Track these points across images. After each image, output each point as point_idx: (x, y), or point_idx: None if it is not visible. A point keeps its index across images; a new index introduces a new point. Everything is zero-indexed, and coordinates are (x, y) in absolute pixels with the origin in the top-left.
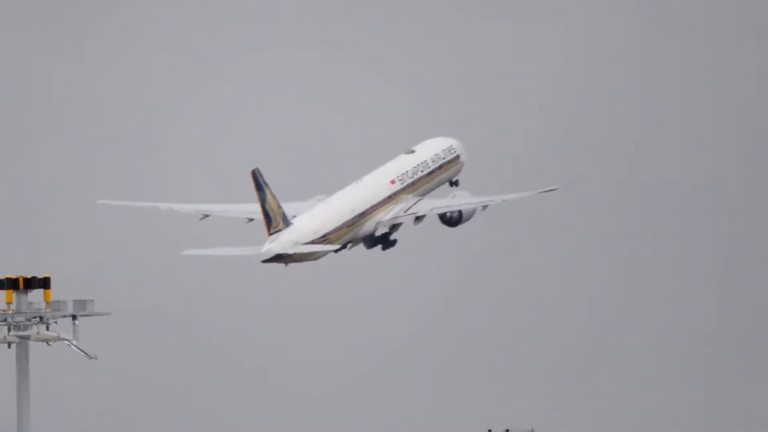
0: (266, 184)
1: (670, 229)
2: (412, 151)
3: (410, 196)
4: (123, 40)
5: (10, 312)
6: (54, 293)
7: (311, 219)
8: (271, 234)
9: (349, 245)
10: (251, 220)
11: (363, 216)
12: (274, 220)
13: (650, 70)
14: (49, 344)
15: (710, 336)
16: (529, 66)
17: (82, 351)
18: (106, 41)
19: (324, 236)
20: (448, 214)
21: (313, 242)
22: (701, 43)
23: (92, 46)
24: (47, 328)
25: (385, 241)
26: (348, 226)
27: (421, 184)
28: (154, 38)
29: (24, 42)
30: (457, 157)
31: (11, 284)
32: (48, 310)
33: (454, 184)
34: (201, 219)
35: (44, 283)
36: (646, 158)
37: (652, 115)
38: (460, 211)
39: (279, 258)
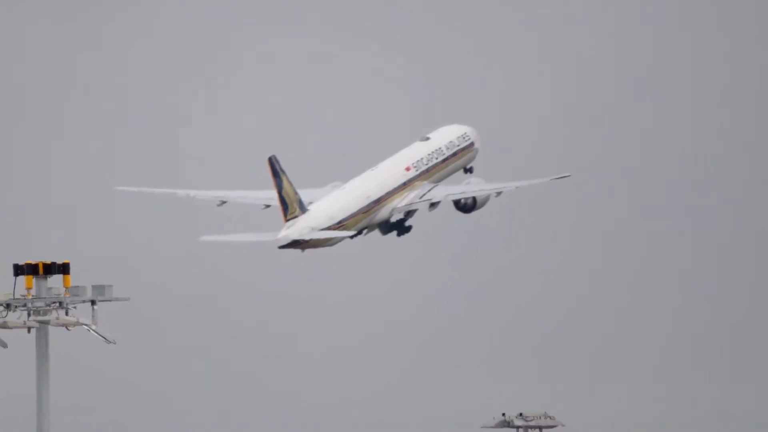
0: (283, 171)
1: (683, 216)
2: (427, 139)
3: (425, 182)
4: (142, 28)
5: (30, 297)
6: (73, 279)
7: (327, 205)
8: (287, 220)
9: (365, 231)
10: (268, 206)
11: (378, 202)
12: (290, 207)
13: (663, 57)
14: (68, 329)
15: (722, 323)
16: (542, 53)
17: (101, 336)
18: (125, 28)
19: (340, 222)
20: (462, 200)
21: (328, 228)
22: (714, 31)
23: (111, 33)
24: (66, 313)
25: (400, 227)
26: (363, 213)
27: (435, 170)
28: (173, 25)
29: (44, 28)
30: (472, 144)
31: (31, 270)
32: (67, 296)
33: (468, 170)
34: (218, 205)
35: (63, 269)
36: (659, 145)
37: (665, 102)
38: (474, 198)
39: (295, 244)
